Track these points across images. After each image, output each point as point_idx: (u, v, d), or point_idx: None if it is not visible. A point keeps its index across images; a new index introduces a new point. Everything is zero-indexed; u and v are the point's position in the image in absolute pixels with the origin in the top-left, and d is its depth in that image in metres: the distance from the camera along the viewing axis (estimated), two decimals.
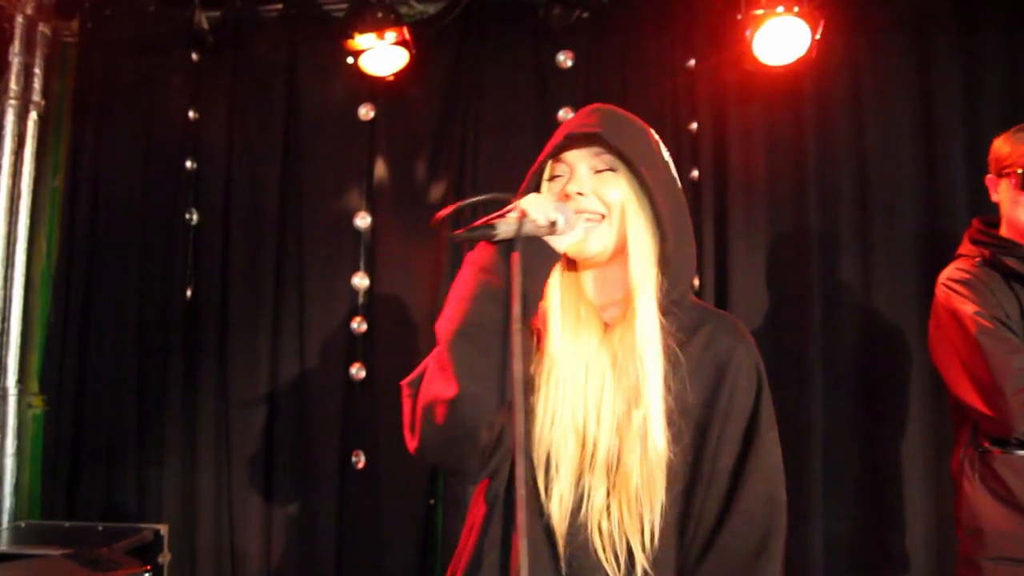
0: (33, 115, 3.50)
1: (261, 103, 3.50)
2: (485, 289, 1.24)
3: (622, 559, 1.27)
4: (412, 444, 1.28)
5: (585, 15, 3.31)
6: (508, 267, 1.21)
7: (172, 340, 3.41)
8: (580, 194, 1.34)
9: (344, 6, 3.46)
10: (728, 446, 1.33)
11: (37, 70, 3.51)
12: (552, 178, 1.41)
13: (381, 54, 3.13)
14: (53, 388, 3.50)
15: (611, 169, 1.36)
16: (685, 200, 1.46)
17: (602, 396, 1.32)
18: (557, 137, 1.40)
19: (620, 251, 1.36)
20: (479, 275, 1.25)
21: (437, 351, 1.26)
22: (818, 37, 2.91)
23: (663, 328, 1.33)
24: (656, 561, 1.28)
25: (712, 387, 1.34)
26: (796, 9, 2.85)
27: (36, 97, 3.51)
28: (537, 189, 1.43)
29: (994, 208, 2.33)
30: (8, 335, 3.42)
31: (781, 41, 2.93)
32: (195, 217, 3.47)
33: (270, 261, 3.38)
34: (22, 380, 3.47)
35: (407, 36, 3.07)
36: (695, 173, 3.22)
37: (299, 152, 3.44)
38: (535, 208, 1.24)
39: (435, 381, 1.24)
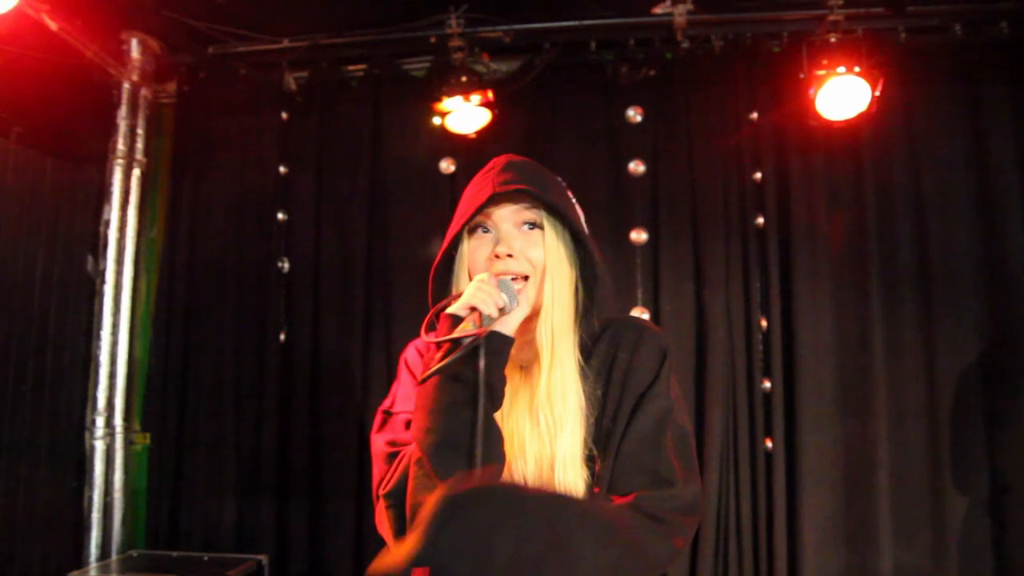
0: (136, 172, 3.77)
1: (347, 158, 3.73)
2: (458, 398, 1.27)
3: None
4: None
5: (652, 72, 3.52)
6: (473, 373, 1.27)
7: (267, 381, 3.62)
8: (510, 255, 1.39)
9: (424, 66, 3.73)
10: (623, 412, 1.38)
11: (140, 131, 3.78)
12: (472, 229, 1.45)
13: (466, 114, 3.35)
14: (155, 426, 3.73)
15: (536, 225, 1.42)
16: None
17: (525, 437, 1.38)
18: (481, 195, 1.42)
19: (536, 307, 1.42)
20: (445, 385, 1.29)
21: (418, 459, 1.30)
22: (877, 94, 3.10)
23: (582, 372, 1.40)
24: None
25: (609, 370, 1.41)
26: (857, 69, 3.05)
27: (139, 156, 3.77)
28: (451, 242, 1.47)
29: None
30: (115, 377, 3.66)
31: (843, 98, 3.13)
32: (287, 265, 3.70)
33: (359, 306, 3.60)
34: (126, 419, 3.71)
35: (490, 97, 3.30)
36: (760, 220, 3.41)
37: (384, 203, 3.67)
38: (484, 302, 1.29)
39: (422, 491, 1.27)
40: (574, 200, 1.51)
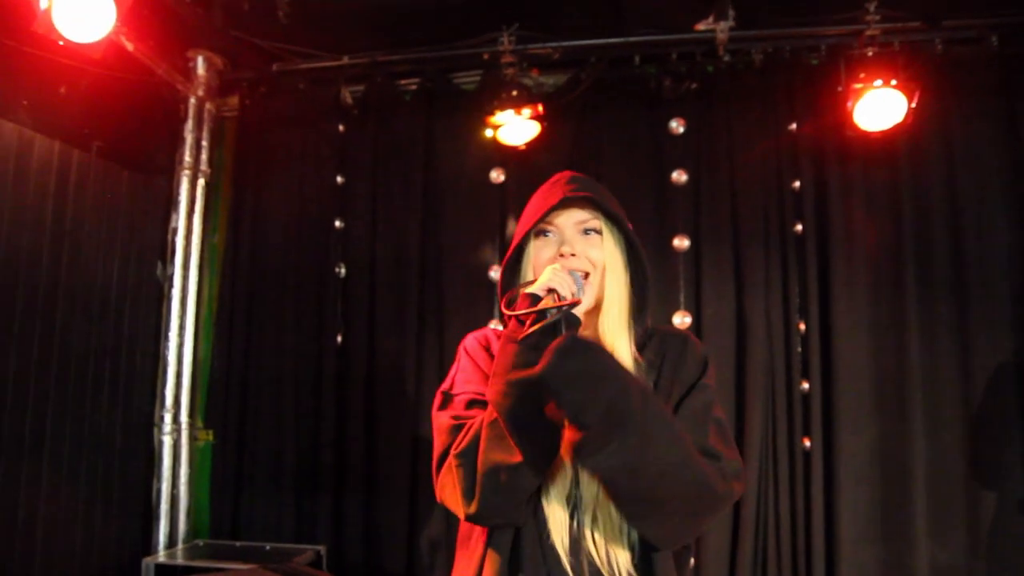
0: (201, 182, 3.99)
1: (401, 168, 3.91)
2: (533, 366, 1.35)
3: (616, 566, 1.44)
4: (469, 509, 1.40)
5: (694, 85, 3.66)
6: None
7: (325, 381, 3.81)
8: (573, 255, 1.55)
9: (474, 80, 3.90)
10: (672, 400, 1.53)
11: (204, 143, 4.00)
12: (538, 233, 1.61)
13: (516, 127, 3.52)
14: (218, 423, 3.93)
15: (597, 231, 1.58)
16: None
17: None
18: (548, 201, 1.57)
19: (595, 305, 1.58)
20: (529, 353, 1.37)
21: (490, 420, 1.39)
22: (914, 105, 3.21)
23: (636, 364, 1.54)
24: (642, 564, 1.46)
25: (659, 367, 1.57)
26: (894, 82, 3.17)
27: (204, 167, 3.99)
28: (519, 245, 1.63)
29: None
30: (182, 376, 3.87)
31: (880, 110, 3.24)
32: (343, 270, 3.89)
33: (412, 310, 3.77)
34: (191, 416, 3.91)
35: (540, 111, 3.46)
36: (799, 227, 3.54)
37: (437, 212, 3.85)
38: (561, 285, 1.44)
39: (495, 450, 1.37)
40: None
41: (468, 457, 1.40)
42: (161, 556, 3.53)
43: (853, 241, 3.51)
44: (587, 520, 1.47)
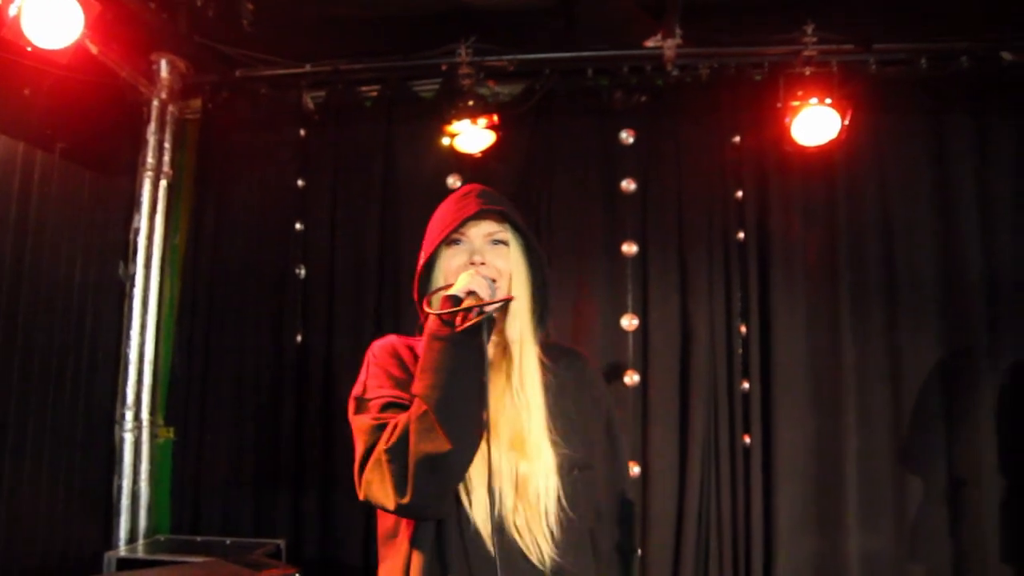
0: (163, 183, 4.05)
1: (361, 172, 4.02)
2: (464, 361, 1.51)
3: (538, 549, 1.57)
4: (402, 500, 1.46)
5: (644, 98, 3.84)
6: (478, 339, 1.52)
7: (284, 379, 3.91)
8: (483, 263, 1.65)
9: (433, 87, 4.02)
10: (596, 436, 1.78)
11: (167, 144, 4.06)
12: (449, 243, 1.69)
13: (472, 135, 3.65)
14: (179, 420, 4.00)
15: (504, 242, 1.70)
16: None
17: (498, 420, 1.61)
18: (462, 213, 1.66)
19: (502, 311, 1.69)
20: (454, 349, 1.51)
21: (418, 414, 1.48)
22: (847, 123, 3.41)
23: (541, 364, 1.69)
24: (562, 546, 1.59)
25: (579, 397, 1.75)
26: (828, 100, 3.37)
27: (166, 168, 4.05)
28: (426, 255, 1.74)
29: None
30: (143, 374, 3.93)
31: (815, 126, 3.44)
32: (303, 271, 3.99)
33: (370, 310, 3.89)
34: (152, 413, 3.97)
35: (496, 121, 3.60)
36: (741, 235, 3.73)
37: (395, 215, 3.96)
38: (480, 287, 1.55)
39: (426, 442, 1.45)
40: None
41: (398, 451, 1.47)
42: (122, 550, 3.59)
43: (791, 249, 3.71)
44: (508, 507, 1.57)
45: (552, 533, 1.58)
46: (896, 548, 3.52)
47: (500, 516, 1.56)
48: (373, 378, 1.69)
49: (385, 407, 1.58)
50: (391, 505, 1.47)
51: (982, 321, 3.55)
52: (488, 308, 1.54)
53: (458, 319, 1.52)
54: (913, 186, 3.69)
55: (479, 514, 1.56)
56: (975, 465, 3.48)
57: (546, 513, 1.58)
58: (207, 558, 3.24)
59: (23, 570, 3.26)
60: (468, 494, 1.56)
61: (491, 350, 1.67)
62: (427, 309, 1.58)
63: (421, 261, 1.73)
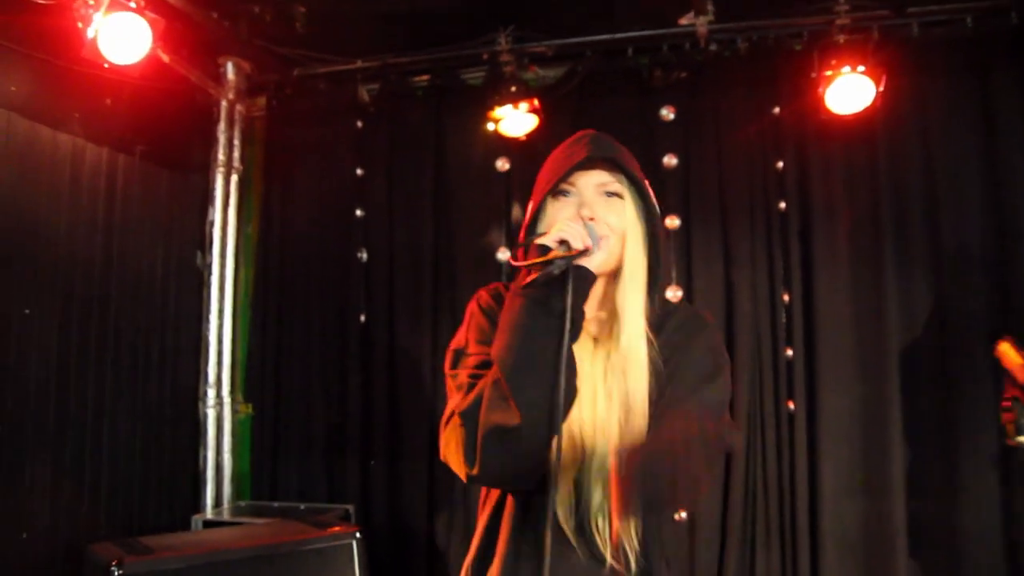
0: (234, 178, 4.36)
1: (414, 159, 4.24)
2: (540, 322, 1.35)
3: (616, 553, 1.44)
4: (471, 470, 1.35)
5: (683, 75, 3.91)
6: (562, 298, 1.34)
7: (350, 357, 4.19)
8: (592, 219, 1.46)
9: (481, 75, 4.19)
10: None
11: (236, 141, 4.37)
12: (556, 194, 1.52)
13: (515, 120, 3.82)
14: (256, 397, 4.34)
15: (618, 195, 1.51)
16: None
17: (595, 406, 1.45)
18: (570, 160, 1.51)
19: (611, 271, 1.51)
20: (533, 308, 1.36)
21: (493, 380, 1.35)
22: (881, 89, 3.42)
23: (649, 342, 1.48)
24: (645, 549, 1.46)
25: (693, 362, 1.50)
26: (861, 68, 3.38)
27: (236, 164, 4.36)
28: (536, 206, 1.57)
29: None
30: (222, 355, 4.27)
31: (850, 94, 3.46)
32: (365, 255, 4.24)
33: (427, 287, 4.12)
34: (232, 391, 4.32)
35: (537, 105, 3.75)
36: (782, 205, 3.79)
37: (448, 199, 4.18)
38: (573, 236, 1.38)
39: (496, 411, 1.31)
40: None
41: (470, 417, 1.36)
42: (209, 514, 3.95)
43: (834, 217, 3.74)
44: (595, 504, 1.44)
45: (636, 537, 1.46)
46: (944, 512, 3.54)
47: (584, 511, 1.45)
48: (473, 331, 1.56)
49: (480, 364, 1.45)
50: (462, 473, 1.38)
51: None
52: (579, 260, 1.38)
53: (537, 271, 1.36)
54: (958, 149, 3.65)
55: (563, 504, 1.44)
56: None
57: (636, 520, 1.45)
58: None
59: (124, 528, 3.64)
60: (555, 478, 1.35)
61: (594, 318, 1.55)
62: (512, 262, 1.49)
63: (528, 213, 1.58)
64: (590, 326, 1.54)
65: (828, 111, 3.51)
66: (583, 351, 1.48)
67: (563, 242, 1.39)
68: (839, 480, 3.63)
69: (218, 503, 4.12)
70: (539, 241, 1.42)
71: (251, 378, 4.38)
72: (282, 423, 4.29)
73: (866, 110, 3.53)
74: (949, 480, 3.54)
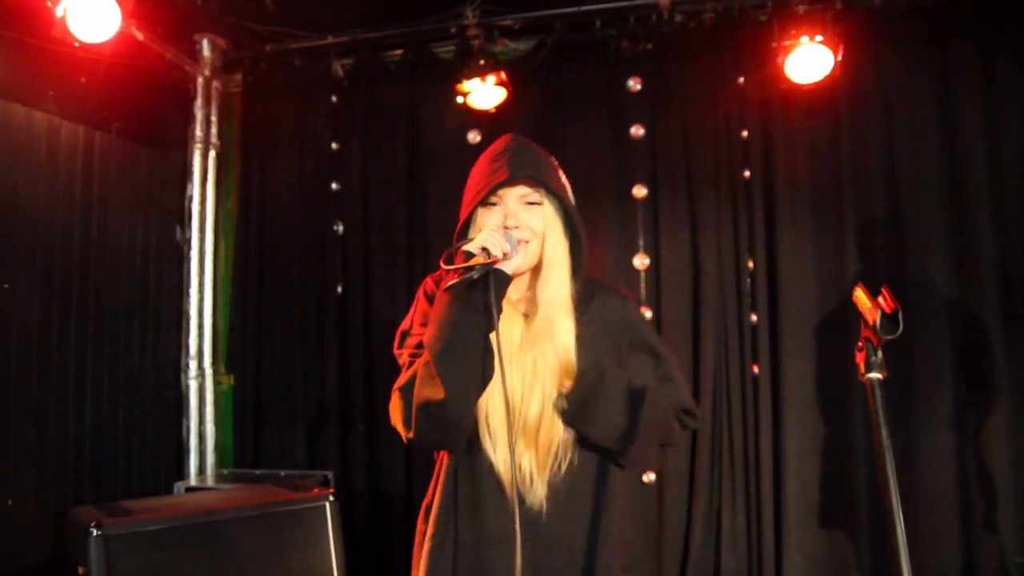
0: (212, 154, 4.44)
1: (389, 133, 4.30)
2: (461, 316, 1.60)
3: (533, 494, 1.72)
4: (407, 435, 1.64)
5: (649, 46, 3.97)
6: (483, 295, 1.59)
7: (328, 327, 4.27)
8: (516, 226, 1.71)
9: (451, 48, 4.24)
10: (639, 367, 1.83)
11: (213, 118, 4.44)
12: (485, 204, 1.77)
13: (484, 92, 3.88)
14: (237, 368, 4.44)
15: (538, 203, 1.75)
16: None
17: (524, 370, 1.72)
18: (495, 178, 1.73)
19: (535, 265, 1.78)
20: (456, 304, 1.61)
21: (426, 362, 1.61)
22: (839, 59, 3.48)
23: (575, 314, 1.76)
24: (562, 490, 1.73)
25: (616, 336, 1.82)
26: (819, 38, 3.44)
27: (213, 139, 4.44)
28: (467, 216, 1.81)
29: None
30: (203, 328, 4.37)
31: (809, 63, 3.52)
32: (341, 228, 4.32)
33: (402, 259, 4.21)
34: (214, 362, 4.42)
35: (504, 77, 3.81)
36: (747, 173, 3.86)
37: (421, 172, 4.25)
38: (492, 244, 1.61)
39: (426, 387, 1.58)
40: (564, 178, 1.86)
41: (407, 391, 1.63)
42: (193, 480, 4.07)
43: (797, 185, 3.82)
44: (527, 451, 1.71)
45: (553, 482, 1.72)
46: (903, 472, 3.63)
47: (518, 462, 1.69)
48: (418, 315, 1.81)
49: (420, 345, 1.70)
50: (403, 437, 1.65)
51: (989, 255, 3.58)
52: (498, 264, 1.61)
53: (460, 274, 1.58)
54: (918, 119, 3.72)
55: (500, 458, 1.71)
56: (980, 388, 3.57)
57: (557, 456, 1.72)
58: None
59: (109, 495, 3.75)
60: (492, 436, 1.70)
61: (523, 298, 1.82)
62: (441, 264, 1.63)
63: (459, 222, 1.81)
64: (520, 306, 1.81)
65: (789, 80, 3.57)
66: (514, 326, 1.76)
67: (484, 249, 1.61)
68: (802, 441, 3.74)
69: (201, 471, 4.25)
70: (465, 248, 1.64)
71: (232, 350, 4.47)
72: (263, 393, 4.39)
73: (828, 80, 3.59)
74: (909, 442, 3.65)
